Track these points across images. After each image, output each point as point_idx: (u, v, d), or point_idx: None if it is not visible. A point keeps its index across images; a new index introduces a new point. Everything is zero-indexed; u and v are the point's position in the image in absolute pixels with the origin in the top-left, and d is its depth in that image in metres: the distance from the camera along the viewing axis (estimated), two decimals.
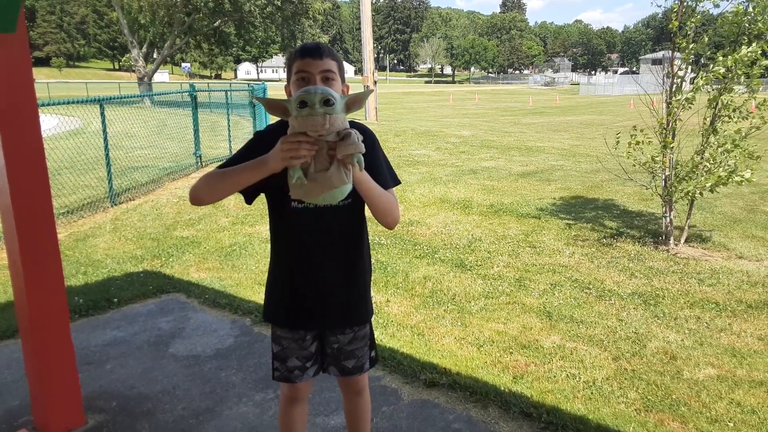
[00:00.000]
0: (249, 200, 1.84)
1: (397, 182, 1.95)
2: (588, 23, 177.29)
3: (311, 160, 1.53)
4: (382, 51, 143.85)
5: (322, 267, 1.89)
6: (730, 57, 5.01)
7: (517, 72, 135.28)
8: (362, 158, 1.55)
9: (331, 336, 2.00)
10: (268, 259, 2.02)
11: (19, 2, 2.31)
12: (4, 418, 2.87)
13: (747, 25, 5.04)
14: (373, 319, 4.17)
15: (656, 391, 3.11)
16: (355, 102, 1.59)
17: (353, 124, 1.73)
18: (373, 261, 5.39)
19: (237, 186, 1.72)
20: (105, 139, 7.67)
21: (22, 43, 2.41)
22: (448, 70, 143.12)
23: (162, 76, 74.83)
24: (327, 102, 1.46)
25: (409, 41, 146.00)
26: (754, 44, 4.94)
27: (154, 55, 35.89)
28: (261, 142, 1.77)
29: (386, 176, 1.89)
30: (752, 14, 5.01)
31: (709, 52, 5.33)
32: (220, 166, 1.79)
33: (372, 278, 4.91)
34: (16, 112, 2.42)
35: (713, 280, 4.81)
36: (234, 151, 1.95)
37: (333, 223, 1.84)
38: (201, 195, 1.77)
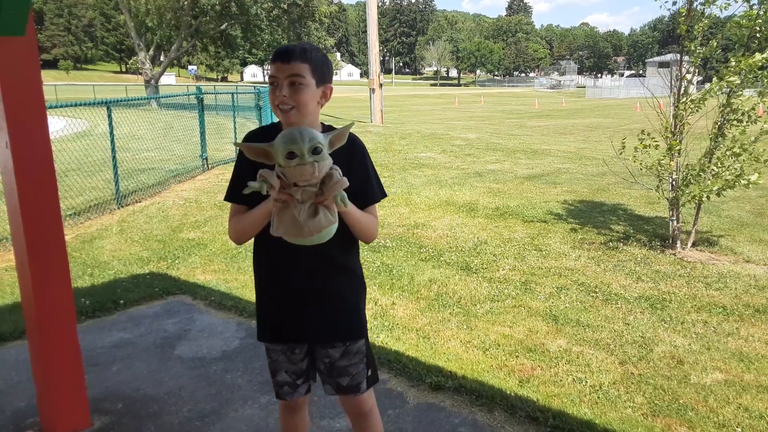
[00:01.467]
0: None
1: (383, 195, 1.90)
2: (594, 26, 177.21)
3: (296, 203, 1.53)
4: (388, 54, 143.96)
5: (306, 277, 1.84)
6: (743, 62, 4.98)
7: (523, 75, 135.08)
8: (345, 195, 1.55)
9: (321, 350, 1.92)
10: None
11: (28, 6, 2.33)
12: (11, 419, 2.88)
13: (758, 28, 5.01)
14: (378, 322, 4.18)
15: (663, 396, 3.09)
16: (338, 138, 1.59)
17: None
18: (378, 263, 5.39)
19: (256, 228, 1.77)
20: (112, 141, 7.71)
21: (31, 46, 2.43)
22: (453, 72, 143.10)
23: (169, 79, 75.00)
24: (315, 150, 1.46)
25: (414, 44, 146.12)
26: None
27: (161, 58, 36.04)
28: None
29: (375, 189, 1.86)
30: (764, 18, 4.98)
31: (718, 55, 5.31)
32: (227, 195, 1.85)
33: (377, 281, 4.89)
34: (24, 114, 2.43)
35: (720, 284, 4.79)
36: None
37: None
38: (236, 240, 1.85)
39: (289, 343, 1.92)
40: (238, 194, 1.76)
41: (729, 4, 5.23)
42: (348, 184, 1.53)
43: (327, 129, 1.77)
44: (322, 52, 1.79)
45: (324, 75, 1.76)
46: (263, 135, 1.77)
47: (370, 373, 1.98)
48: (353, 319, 1.93)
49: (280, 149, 1.47)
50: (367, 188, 1.82)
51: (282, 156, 1.46)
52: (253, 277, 2.03)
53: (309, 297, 1.86)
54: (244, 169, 1.75)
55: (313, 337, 1.91)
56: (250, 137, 1.82)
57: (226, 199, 1.85)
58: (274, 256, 1.85)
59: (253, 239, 1.89)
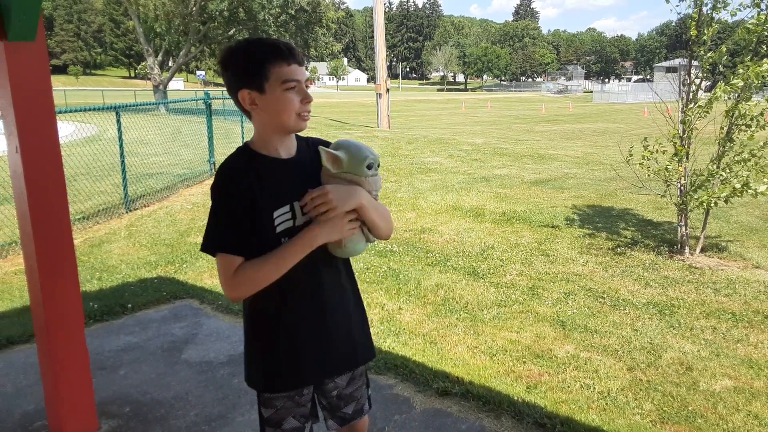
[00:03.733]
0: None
1: None
2: (601, 31, 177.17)
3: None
4: (395, 59, 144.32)
5: (326, 310, 1.65)
6: (750, 69, 4.95)
7: (530, 80, 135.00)
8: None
9: (329, 383, 1.76)
10: None
11: (39, 11, 2.35)
12: (19, 422, 2.90)
13: (766, 33, 4.99)
14: (385, 327, 4.18)
15: (672, 403, 3.07)
16: None
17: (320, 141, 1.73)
18: (384, 268, 5.39)
19: (284, 271, 1.52)
20: (120, 145, 7.75)
21: (41, 51, 2.45)
22: (460, 78, 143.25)
23: (177, 84, 75.60)
24: (379, 165, 1.64)
25: (421, 49, 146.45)
26: None
27: (170, 63, 36.27)
28: (239, 188, 1.51)
29: None
30: None
31: (726, 60, 5.28)
32: (220, 244, 1.51)
33: (384, 286, 4.89)
34: (34, 118, 2.45)
35: (729, 290, 4.75)
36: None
37: (327, 254, 1.63)
38: (245, 294, 1.56)
39: (306, 385, 1.72)
40: (237, 242, 1.50)
41: (739, 10, 5.21)
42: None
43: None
44: None
45: None
46: (243, 162, 1.56)
47: (369, 392, 1.90)
48: (369, 338, 1.82)
49: (360, 159, 1.56)
50: None
51: (362, 166, 1.56)
52: None
53: (334, 331, 1.68)
54: (241, 211, 1.50)
55: (333, 372, 1.74)
56: (233, 167, 1.55)
57: (219, 250, 1.51)
58: (295, 294, 1.61)
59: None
